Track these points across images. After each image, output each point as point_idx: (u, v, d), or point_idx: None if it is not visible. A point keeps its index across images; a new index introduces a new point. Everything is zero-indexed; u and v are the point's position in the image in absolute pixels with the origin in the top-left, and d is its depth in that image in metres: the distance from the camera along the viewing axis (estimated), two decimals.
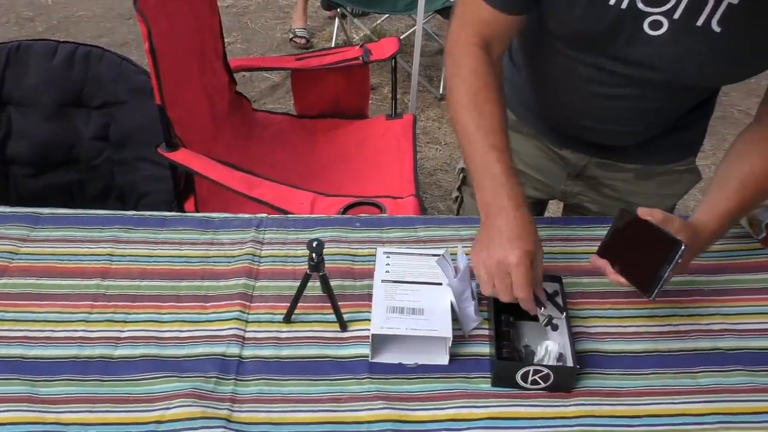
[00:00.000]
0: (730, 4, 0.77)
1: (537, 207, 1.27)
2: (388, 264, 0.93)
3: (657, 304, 0.95)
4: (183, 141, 1.57)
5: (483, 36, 0.92)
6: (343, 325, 0.90)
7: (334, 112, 2.08)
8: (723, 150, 3.18)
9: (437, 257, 0.90)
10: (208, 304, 0.93)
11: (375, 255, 0.97)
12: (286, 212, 1.35)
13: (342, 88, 2.05)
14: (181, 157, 1.54)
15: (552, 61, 0.98)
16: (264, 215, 1.10)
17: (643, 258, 0.85)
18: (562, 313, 0.88)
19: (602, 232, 1.06)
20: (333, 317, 0.90)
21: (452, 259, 0.95)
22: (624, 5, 0.81)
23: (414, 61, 2.72)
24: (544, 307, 0.84)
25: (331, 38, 3.44)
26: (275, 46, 3.56)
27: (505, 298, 0.83)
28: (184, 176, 1.60)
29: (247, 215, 1.10)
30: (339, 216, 1.16)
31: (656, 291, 0.82)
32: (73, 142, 1.70)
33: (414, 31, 2.75)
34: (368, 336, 0.85)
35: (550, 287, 0.93)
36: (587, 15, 0.84)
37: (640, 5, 0.81)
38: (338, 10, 3.17)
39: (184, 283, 0.97)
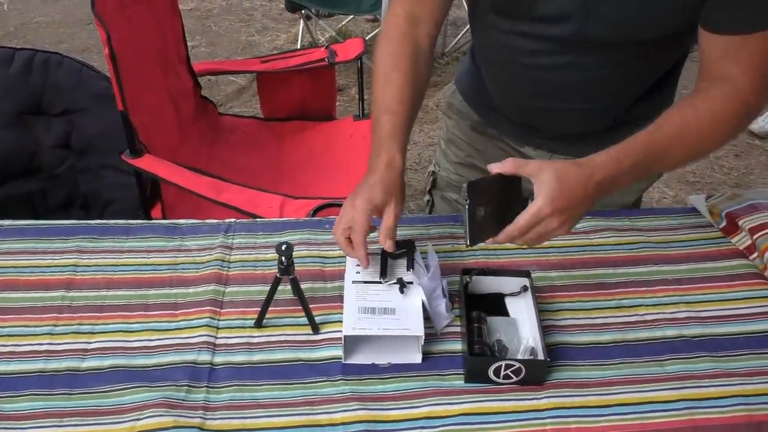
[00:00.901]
0: None
1: None
2: (358, 265, 0.93)
3: (623, 294, 0.97)
4: (147, 147, 1.54)
5: (411, 12, 0.97)
6: (315, 328, 0.90)
7: (301, 114, 2.08)
8: None
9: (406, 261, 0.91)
10: (177, 312, 0.92)
11: (345, 256, 0.96)
12: (255, 216, 1.34)
13: (308, 90, 2.04)
14: (146, 163, 1.52)
15: (493, 39, 1.00)
16: (232, 220, 1.09)
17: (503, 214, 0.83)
18: (410, 269, 0.90)
19: None
20: (305, 320, 0.90)
21: (423, 258, 0.95)
22: None
23: None
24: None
25: (297, 40, 3.42)
26: (240, 49, 3.53)
27: (346, 248, 0.88)
28: (150, 183, 1.58)
29: (215, 221, 1.09)
30: (308, 218, 1.15)
31: (472, 239, 0.81)
32: (33, 150, 1.66)
33: (379, 32, 2.75)
34: (341, 338, 0.85)
35: (519, 282, 0.94)
36: None
37: None
38: (303, 11, 3.15)
39: (153, 291, 0.95)
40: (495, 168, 0.82)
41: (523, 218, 0.80)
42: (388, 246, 0.88)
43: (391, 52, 0.96)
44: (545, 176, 0.79)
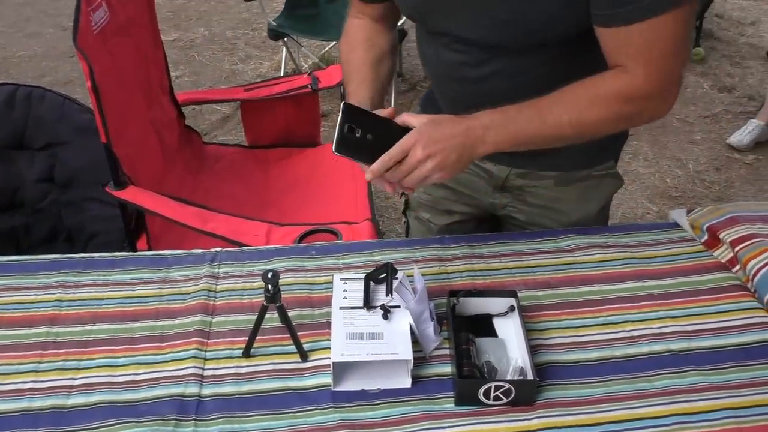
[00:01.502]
0: None
1: (474, 223, 1.29)
2: (345, 290, 0.93)
3: (610, 311, 0.97)
4: (132, 178, 1.54)
5: (364, 13, 1.09)
6: (304, 356, 0.89)
7: (286, 141, 2.09)
8: (666, 158, 3.28)
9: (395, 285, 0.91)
10: (164, 344, 0.91)
11: (332, 282, 0.96)
12: (241, 245, 1.34)
13: (292, 116, 2.05)
14: (130, 194, 1.51)
15: (431, 55, 1.06)
16: (218, 249, 1.09)
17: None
18: (389, 294, 0.91)
19: (554, 244, 1.10)
20: (293, 348, 0.89)
21: (409, 281, 0.95)
22: None
23: None
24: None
25: (280, 67, 3.45)
26: (224, 78, 3.55)
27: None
28: (135, 214, 1.57)
29: (200, 250, 1.08)
30: (294, 245, 1.15)
31: (336, 147, 0.86)
32: (16, 185, 1.65)
33: None
34: (329, 365, 0.85)
35: (506, 302, 0.94)
36: None
37: None
38: (285, 39, 3.18)
39: (138, 324, 0.94)
40: (384, 114, 0.90)
41: (393, 149, 0.86)
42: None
43: (348, 41, 1.08)
44: (423, 119, 0.88)
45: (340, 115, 0.87)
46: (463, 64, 1.00)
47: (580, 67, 0.94)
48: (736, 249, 1.04)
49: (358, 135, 0.87)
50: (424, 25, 1.02)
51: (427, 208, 1.25)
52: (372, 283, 0.93)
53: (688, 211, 1.16)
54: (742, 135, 3.05)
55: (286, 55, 3.35)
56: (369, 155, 0.87)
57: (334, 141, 0.86)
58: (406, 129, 0.89)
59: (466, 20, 0.92)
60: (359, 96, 0.98)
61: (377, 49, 1.06)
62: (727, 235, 1.06)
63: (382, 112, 0.91)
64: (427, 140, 0.86)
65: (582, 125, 0.90)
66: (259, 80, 3.15)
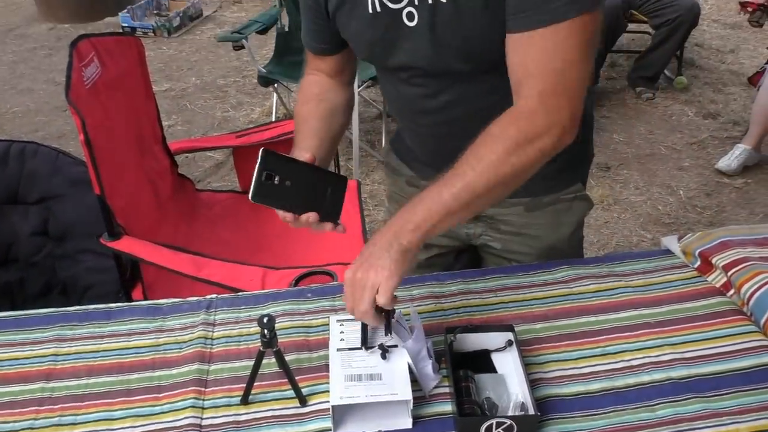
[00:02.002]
0: None
1: (453, 255, 1.30)
2: (342, 332, 0.93)
3: (608, 341, 0.97)
4: (125, 228, 1.54)
5: (319, 69, 1.12)
6: (303, 400, 0.88)
7: None
8: (656, 185, 3.33)
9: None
10: (161, 395, 0.90)
11: (329, 324, 0.96)
12: (236, 290, 1.33)
13: None
14: (125, 245, 1.51)
15: (392, 93, 1.09)
16: (214, 296, 1.09)
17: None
18: (388, 334, 0.89)
19: (549, 276, 1.10)
20: (292, 393, 0.88)
21: (406, 319, 0.95)
22: (378, 8, 0.93)
23: (353, 127, 2.79)
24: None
25: (271, 113, 3.50)
26: (216, 125, 3.59)
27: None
28: (130, 264, 1.57)
29: (195, 298, 1.08)
30: (290, 289, 1.15)
31: (253, 195, 0.86)
32: (11, 240, 1.65)
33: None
34: (329, 408, 0.84)
35: (503, 337, 0.94)
36: (362, 27, 0.96)
37: (390, 4, 0.92)
38: (275, 85, 3.24)
39: (135, 376, 0.94)
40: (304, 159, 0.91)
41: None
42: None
43: (300, 98, 1.10)
44: None
45: (257, 162, 0.85)
46: (422, 96, 1.03)
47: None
48: (730, 273, 1.04)
49: (276, 182, 0.87)
50: (381, 63, 1.03)
51: None
52: (368, 326, 0.93)
53: (680, 238, 1.17)
54: (730, 160, 3.09)
55: (276, 101, 3.40)
56: (287, 203, 0.88)
57: (251, 189, 0.86)
58: (325, 171, 0.92)
59: (413, 49, 0.95)
60: (305, 145, 0.98)
61: (328, 103, 1.08)
62: (720, 259, 1.07)
63: (302, 157, 0.91)
64: (352, 265, 0.86)
65: (487, 169, 0.85)
66: (250, 126, 3.18)
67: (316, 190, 0.91)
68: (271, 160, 0.87)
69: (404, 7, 0.92)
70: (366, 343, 0.89)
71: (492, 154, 0.86)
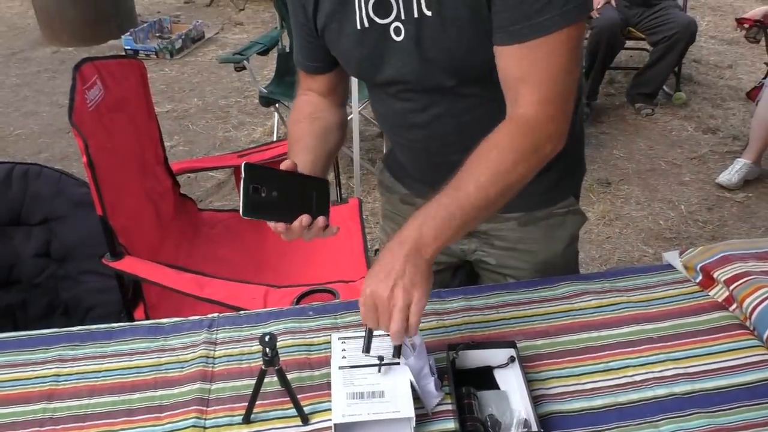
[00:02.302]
0: None
1: (450, 272, 1.30)
2: (344, 350, 0.93)
3: (610, 356, 0.97)
4: (128, 249, 1.55)
5: (307, 89, 1.13)
6: (305, 419, 0.88)
7: None
8: (657, 200, 3.33)
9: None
10: (163, 415, 0.90)
11: (330, 342, 0.96)
12: (238, 309, 1.33)
13: None
14: (127, 265, 1.52)
15: (382, 108, 1.10)
16: (216, 315, 1.09)
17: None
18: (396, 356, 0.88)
19: (551, 292, 1.10)
20: (294, 412, 0.88)
21: (407, 338, 0.95)
22: (367, 24, 0.94)
23: (354, 146, 2.80)
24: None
25: (273, 132, 3.52)
26: (218, 145, 3.61)
27: None
28: (132, 284, 1.57)
29: (197, 317, 1.08)
30: (291, 307, 1.15)
31: (244, 209, 0.85)
32: (13, 262, 1.65)
33: (351, 119, 2.85)
34: (331, 427, 0.83)
35: (505, 353, 0.94)
36: (350, 43, 0.97)
37: (377, 19, 0.93)
38: (276, 105, 3.26)
39: (137, 395, 0.93)
40: (285, 167, 0.90)
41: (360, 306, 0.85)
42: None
43: (294, 117, 1.09)
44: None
45: (242, 176, 0.84)
46: (410, 111, 1.04)
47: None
48: (732, 288, 1.04)
49: (264, 194, 0.86)
50: (371, 79, 1.04)
51: None
52: (372, 332, 0.92)
53: (681, 253, 1.17)
54: (731, 174, 3.10)
55: (278, 120, 3.43)
56: (278, 213, 0.88)
57: (241, 205, 0.84)
58: (307, 177, 0.92)
59: (400, 64, 0.96)
60: (299, 161, 0.96)
61: (322, 122, 1.08)
62: (721, 274, 1.07)
63: (284, 165, 0.91)
64: (370, 281, 0.84)
65: (497, 177, 0.88)
66: (252, 146, 3.21)
67: (302, 195, 0.91)
68: (256, 173, 0.86)
69: (391, 22, 0.93)
70: (369, 350, 0.88)
71: (501, 165, 0.88)
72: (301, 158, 0.98)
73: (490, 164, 0.88)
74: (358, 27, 0.95)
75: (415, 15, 0.91)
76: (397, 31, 0.93)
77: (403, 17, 0.92)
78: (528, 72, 0.88)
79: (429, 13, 0.90)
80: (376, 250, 1.37)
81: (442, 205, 0.87)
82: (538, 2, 0.84)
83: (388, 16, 0.93)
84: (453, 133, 1.04)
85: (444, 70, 0.95)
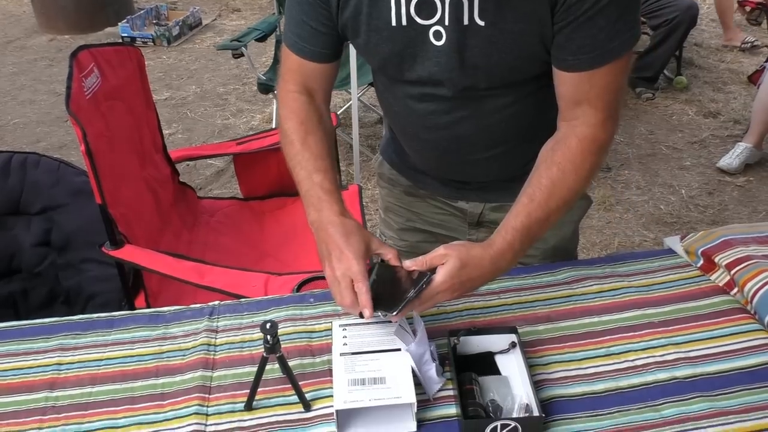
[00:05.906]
0: None
1: None
2: (345, 336, 0.93)
3: (612, 341, 0.97)
4: (128, 237, 1.55)
5: (301, 83, 1.05)
6: (307, 405, 0.88)
7: (280, 191, 2.10)
8: (658, 185, 3.32)
9: (395, 328, 0.91)
10: (165, 402, 0.90)
11: (332, 329, 0.96)
12: (239, 297, 1.33)
13: (285, 167, 2.05)
14: (127, 253, 1.52)
15: (397, 106, 1.07)
16: (216, 302, 1.09)
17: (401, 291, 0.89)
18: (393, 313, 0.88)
19: (552, 278, 1.10)
20: (296, 398, 0.88)
21: (409, 323, 0.95)
22: (404, 22, 0.91)
23: (353, 132, 2.79)
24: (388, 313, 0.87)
25: (272, 119, 3.51)
26: (216, 133, 3.60)
27: (353, 308, 0.87)
28: (132, 272, 1.57)
29: (198, 305, 1.08)
30: (292, 294, 1.15)
31: (401, 308, 0.85)
32: (13, 251, 1.66)
33: (351, 105, 2.84)
34: (333, 413, 0.84)
35: (507, 339, 0.94)
36: (379, 38, 0.94)
37: (418, 20, 0.91)
38: (275, 91, 3.25)
39: (139, 383, 0.93)
40: (410, 265, 0.89)
41: (426, 298, 0.87)
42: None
43: (302, 120, 1.03)
44: (451, 260, 0.87)
45: (373, 277, 0.87)
46: (434, 113, 1.02)
47: (542, 103, 0.98)
48: (733, 272, 1.04)
49: (380, 289, 0.88)
50: (394, 76, 1.01)
51: (405, 255, 1.26)
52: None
53: (682, 237, 1.17)
54: (731, 158, 3.09)
55: (276, 108, 3.41)
56: (390, 303, 0.87)
57: (399, 308, 0.84)
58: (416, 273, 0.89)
59: (435, 67, 0.95)
60: (338, 193, 0.99)
61: (330, 141, 1.05)
62: (722, 258, 1.07)
63: (410, 265, 0.90)
64: (458, 285, 0.88)
65: (576, 198, 0.96)
66: (251, 133, 3.19)
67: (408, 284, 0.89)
68: (383, 270, 0.90)
69: (433, 25, 0.91)
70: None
71: (578, 184, 0.95)
72: (328, 172, 0.99)
73: (570, 185, 0.94)
74: (394, 23, 0.92)
75: (465, 22, 0.89)
76: (437, 35, 0.91)
77: (446, 23, 0.90)
78: (595, 95, 0.92)
79: (482, 23, 0.88)
80: None
81: (531, 230, 0.92)
82: (611, 29, 0.86)
83: (430, 18, 0.91)
84: (475, 134, 1.03)
85: (485, 77, 0.94)
